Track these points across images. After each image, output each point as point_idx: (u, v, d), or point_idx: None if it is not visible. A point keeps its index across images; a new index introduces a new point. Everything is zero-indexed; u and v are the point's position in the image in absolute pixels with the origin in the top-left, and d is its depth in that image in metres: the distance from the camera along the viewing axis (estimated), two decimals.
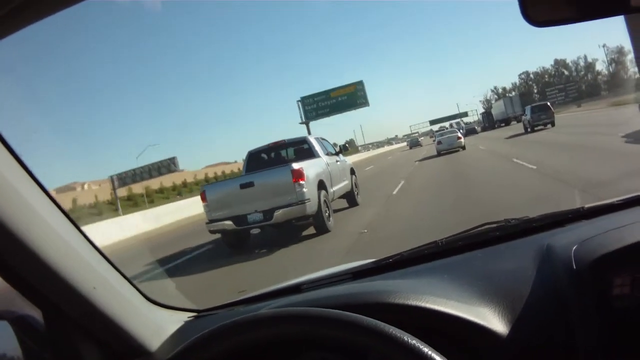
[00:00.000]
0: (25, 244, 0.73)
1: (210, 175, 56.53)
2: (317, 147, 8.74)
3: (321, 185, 7.58)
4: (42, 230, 0.77)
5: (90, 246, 0.89)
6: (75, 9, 0.73)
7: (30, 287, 0.80)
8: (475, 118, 67.76)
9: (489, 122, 47.85)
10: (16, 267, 0.76)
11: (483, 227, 1.17)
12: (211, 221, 7.31)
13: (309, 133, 35.54)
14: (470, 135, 36.89)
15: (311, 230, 7.59)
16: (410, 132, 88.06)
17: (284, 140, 9.09)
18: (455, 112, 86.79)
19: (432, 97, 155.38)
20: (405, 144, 70.41)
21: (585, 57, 77.77)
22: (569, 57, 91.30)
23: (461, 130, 29.94)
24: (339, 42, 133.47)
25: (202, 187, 7.80)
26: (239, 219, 7.10)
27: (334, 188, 8.43)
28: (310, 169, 7.40)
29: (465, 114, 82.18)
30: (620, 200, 1.10)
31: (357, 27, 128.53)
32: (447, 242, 1.14)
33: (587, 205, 1.13)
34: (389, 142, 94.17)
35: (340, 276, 1.15)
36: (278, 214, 6.89)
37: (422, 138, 66.48)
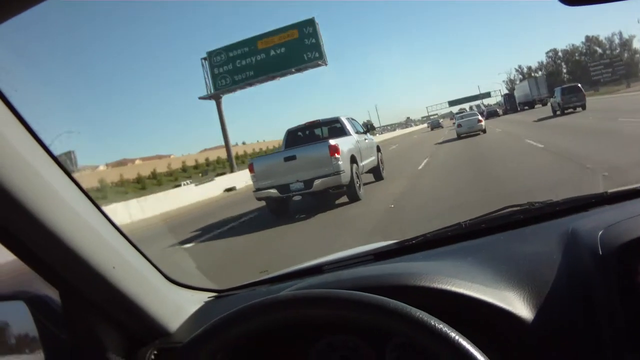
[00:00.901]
0: (41, 222, 0.73)
1: (190, 162, 44.95)
2: (349, 126, 9.80)
3: (353, 159, 8.67)
4: (59, 207, 0.76)
5: (110, 224, 0.89)
6: None
7: (47, 266, 0.80)
8: (499, 99, 64.54)
9: (510, 104, 46.18)
10: (32, 245, 0.76)
11: (506, 210, 1.18)
12: (258, 189, 8.54)
13: (220, 113, 25.81)
14: (492, 118, 35.61)
15: (344, 199, 8.73)
16: (427, 114, 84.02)
17: (319, 120, 10.18)
18: (476, 92, 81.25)
19: (451, 77, 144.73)
20: (422, 126, 68.64)
21: (621, 34, 71.26)
22: (603, 34, 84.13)
23: (483, 113, 29.33)
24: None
25: (250, 160, 9.02)
26: (282, 188, 8.30)
27: (363, 162, 9.49)
28: (344, 145, 8.50)
29: (488, 95, 76.33)
30: None
31: None
32: (470, 224, 1.15)
33: (610, 190, 1.13)
34: (407, 123, 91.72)
35: (362, 257, 1.16)
36: (317, 183, 8.06)
37: (442, 120, 65.61)
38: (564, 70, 76.02)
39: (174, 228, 11.31)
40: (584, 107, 23.32)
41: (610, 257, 0.79)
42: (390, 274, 0.93)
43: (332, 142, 8.19)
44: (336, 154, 8.03)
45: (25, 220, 0.72)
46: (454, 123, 28.38)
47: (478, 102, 70.34)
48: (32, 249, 0.76)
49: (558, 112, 24.00)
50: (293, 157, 8.31)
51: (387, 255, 1.13)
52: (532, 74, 70.97)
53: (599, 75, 56.79)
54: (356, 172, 8.60)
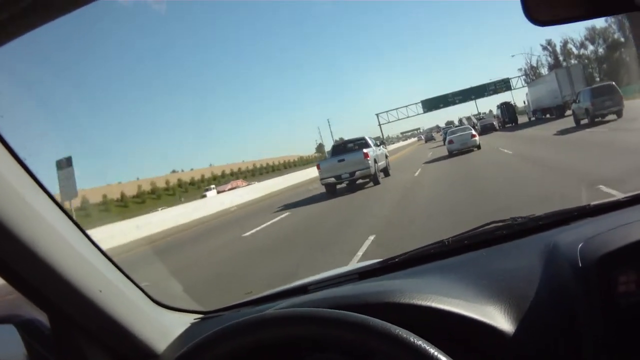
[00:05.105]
0: (29, 248, 0.77)
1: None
2: (370, 142, 16.86)
3: (375, 161, 15.69)
4: (46, 233, 0.80)
5: (96, 249, 0.92)
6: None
7: (36, 290, 0.83)
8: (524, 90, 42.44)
9: (509, 116, 35.01)
10: (21, 271, 0.79)
11: (489, 226, 1.20)
12: (322, 179, 15.59)
13: None
14: (487, 134, 27.40)
15: (369, 185, 15.60)
16: (379, 123, 58.42)
17: (351, 138, 17.41)
18: (479, 86, 51.55)
19: (427, 65, 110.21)
20: (394, 146, 57.97)
21: None
22: None
23: (476, 126, 26.06)
24: None
25: (318, 162, 15.97)
26: (337, 177, 15.35)
27: (379, 163, 16.52)
28: (370, 152, 15.54)
29: (507, 85, 48.34)
30: (626, 197, 1.12)
31: None
32: (453, 241, 1.18)
33: (593, 203, 1.16)
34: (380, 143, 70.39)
35: (346, 276, 1.20)
36: (357, 173, 15.11)
37: (433, 133, 58.64)
38: None
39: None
40: (619, 113, 16.99)
41: (590, 269, 0.81)
42: (372, 292, 0.96)
43: (364, 150, 15.29)
44: (367, 157, 15.07)
45: (11, 245, 0.76)
46: (442, 137, 25.54)
47: (468, 115, 48.98)
48: (20, 274, 0.80)
49: (585, 121, 17.94)
50: (343, 160, 15.40)
51: (371, 274, 1.19)
52: (575, 55, 46.41)
53: None
54: (376, 168, 15.57)
